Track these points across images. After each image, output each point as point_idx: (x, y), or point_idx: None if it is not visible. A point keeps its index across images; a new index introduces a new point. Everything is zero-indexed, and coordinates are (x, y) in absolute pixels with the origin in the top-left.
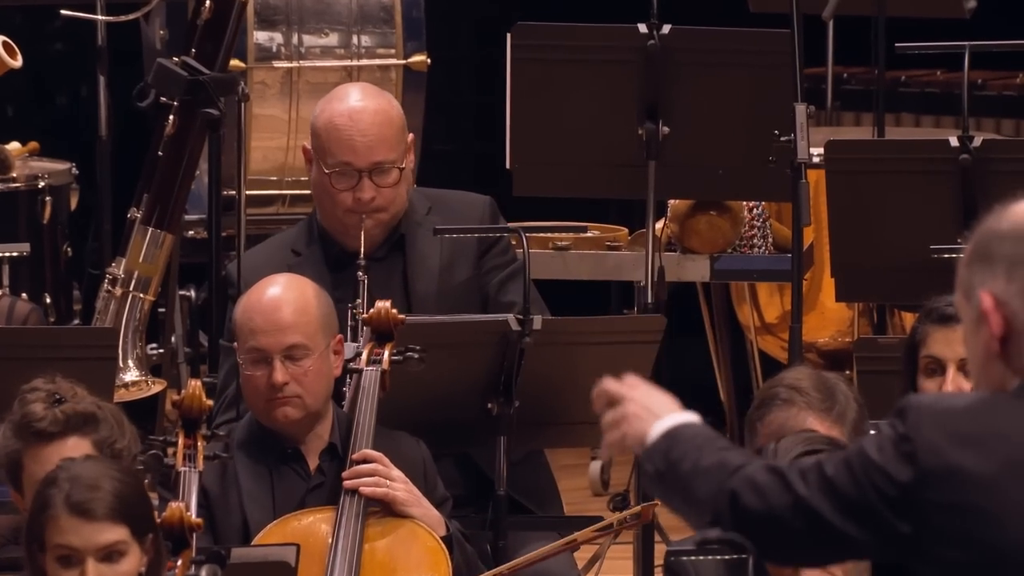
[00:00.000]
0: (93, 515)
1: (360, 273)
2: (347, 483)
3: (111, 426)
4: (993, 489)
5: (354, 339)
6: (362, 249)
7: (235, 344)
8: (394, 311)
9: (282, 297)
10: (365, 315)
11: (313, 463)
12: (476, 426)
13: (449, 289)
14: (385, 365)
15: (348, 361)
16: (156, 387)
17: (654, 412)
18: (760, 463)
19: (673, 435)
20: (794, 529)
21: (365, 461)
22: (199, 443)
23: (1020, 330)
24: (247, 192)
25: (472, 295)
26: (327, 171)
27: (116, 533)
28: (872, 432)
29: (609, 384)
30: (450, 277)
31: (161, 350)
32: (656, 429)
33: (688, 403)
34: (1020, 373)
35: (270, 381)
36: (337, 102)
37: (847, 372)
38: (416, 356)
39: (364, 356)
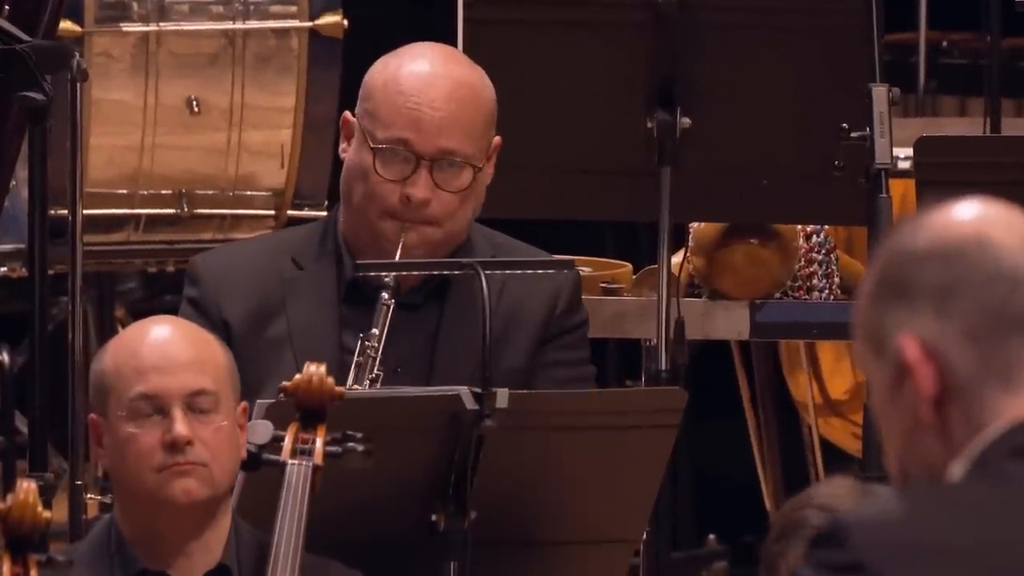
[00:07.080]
0: None
1: (386, 295)
2: None
3: None
4: None
5: (358, 381)
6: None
7: (92, 415)
8: (330, 380)
9: (176, 331)
10: (289, 384)
11: None
12: (416, 547)
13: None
14: (318, 458)
15: (261, 447)
16: None
17: None
18: None
19: None
20: None
21: None
22: (32, 571)
23: (962, 386)
24: (85, 212)
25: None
26: (373, 147)
27: None
28: None
29: None
30: (495, 357)
31: None
32: None
33: (720, 510)
34: (958, 448)
35: (168, 437)
36: (410, 58)
37: None
38: (360, 448)
39: (288, 444)
